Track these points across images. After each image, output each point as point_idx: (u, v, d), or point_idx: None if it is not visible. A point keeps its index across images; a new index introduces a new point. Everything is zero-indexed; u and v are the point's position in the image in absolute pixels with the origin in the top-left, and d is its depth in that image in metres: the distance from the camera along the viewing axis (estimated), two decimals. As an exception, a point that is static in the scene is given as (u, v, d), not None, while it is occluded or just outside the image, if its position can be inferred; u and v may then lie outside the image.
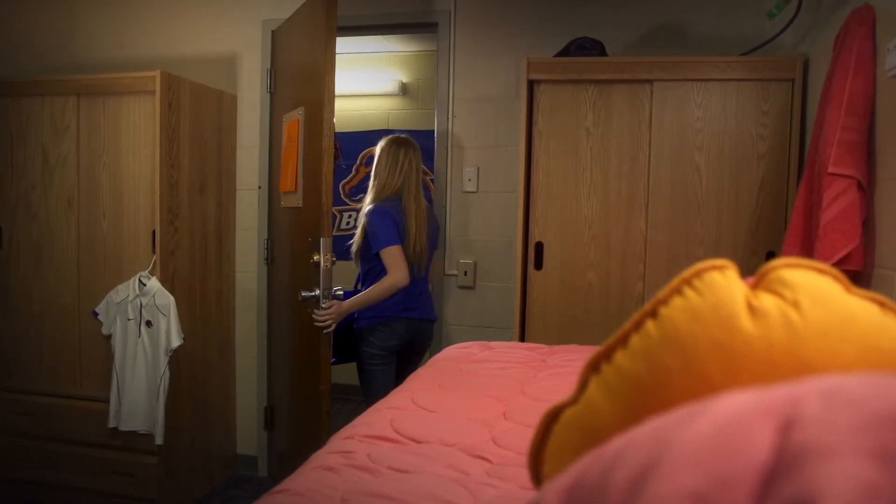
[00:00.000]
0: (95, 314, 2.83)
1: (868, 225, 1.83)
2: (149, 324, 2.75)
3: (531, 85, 2.61)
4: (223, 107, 3.23)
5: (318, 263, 2.45)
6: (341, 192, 4.84)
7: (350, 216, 4.80)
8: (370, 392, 2.64)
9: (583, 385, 0.69)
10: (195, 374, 3.04)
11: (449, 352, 2.26)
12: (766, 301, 0.59)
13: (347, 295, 2.63)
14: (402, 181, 2.69)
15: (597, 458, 0.47)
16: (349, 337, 2.74)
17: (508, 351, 2.22)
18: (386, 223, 2.60)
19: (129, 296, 2.77)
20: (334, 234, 3.66)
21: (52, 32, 3.39)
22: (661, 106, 2.52)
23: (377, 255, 2.61)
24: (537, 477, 0.72)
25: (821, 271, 0.62)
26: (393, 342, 2.67)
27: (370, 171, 2.97)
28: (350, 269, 2.93)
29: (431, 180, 3.57)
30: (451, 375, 1.90)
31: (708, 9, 2.84)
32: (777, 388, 0.43)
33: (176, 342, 2.74)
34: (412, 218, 2.66)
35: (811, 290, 0.59)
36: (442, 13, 3.09)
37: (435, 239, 2.87)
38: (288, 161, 2.90)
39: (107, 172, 2.88)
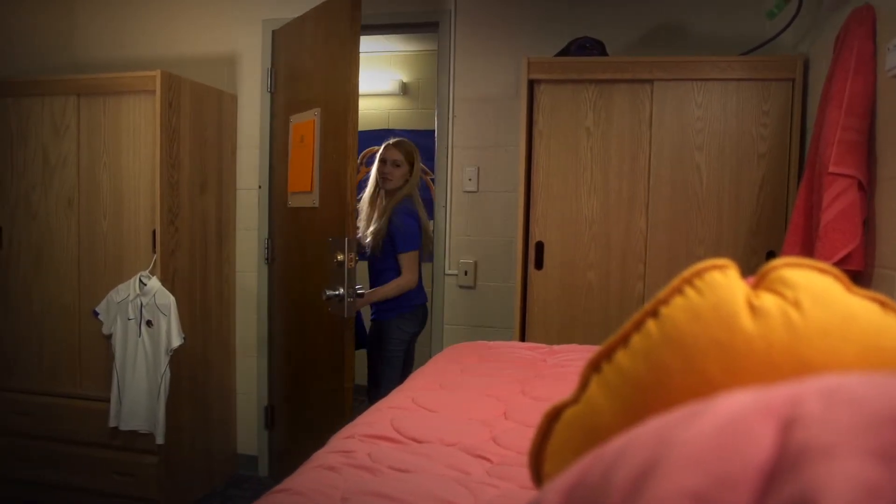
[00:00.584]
0: (96, 314, 2.83)
1: (868, 225, 1.83)
2: (149, 323, 2.75)
3: (531, 85, 2.61)
4: (223, 107, 3.23)
5: (342, 263, 2.50)
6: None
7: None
8: (391, 379, 2.80)
9: (584, 384, 0.69)
10: (195, 373, 3.04)
11: (449, 351, 2.26)
12: (767, 301, 0.59)
13: None
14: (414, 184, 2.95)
15: (598, 457, 0.47)
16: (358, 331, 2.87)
17: (509, 351, 2.22)
18: (414, 226, 2.85)
19: (129, 295, 2.77)
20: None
21: (53, 32, 3.39)
22: (662, 106, 2.52)
23: (397, 255, 2.80)
24: (538, 476, 0.72)
25: (822, 271, 0.62)
26: (416, 328, 2.96)
27: (370, 171, 3.00)
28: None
29: (432, 180, 3.58)
30: (451, 375, 1.90)
31: (708, 9, 2.84)
32: (778, 387, 0.43)
33: (176, 342, 2.74)
34: (424, 219, 2.92)
35: (812, 289, 0.59)
36: (442, 13, 3.09)
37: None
38: (299, 162, 2.91)
39: (107, 172, 2.88)
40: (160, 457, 2.80)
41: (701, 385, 0.57)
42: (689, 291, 0.62)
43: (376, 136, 4.50)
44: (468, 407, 1.59)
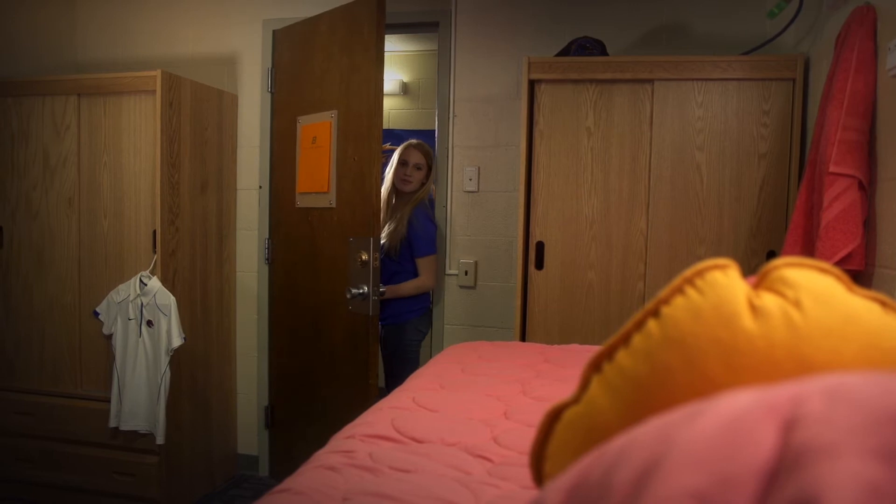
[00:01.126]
0: (96, 314, 2.83)
1: (869, 224, 1.83)
2: (149, 323, 2.75)
3: (532, 84, 2.61)
4: (224, 106, 3.23)
5: (366, 262, 2.55)
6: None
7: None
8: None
9: (584, 384, 0.69)
10: (196, 373, 3.04)
11: (450, 351, 2.26)
12: (768, 300, 0.59)
13: None
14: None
15: (599, 457, 0.47)
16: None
17: (509, 351, 2.22)
18: (433, 231, 2.94)
19: (129, 295, 2.77)
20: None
21: (53, 32, 3.39)
22: (662, 105, 2.52)
23: (415, 258, 2.88)
24: (539, 476, 0.72)
25: (822, 270, 0.62)
26: (428, 329, 3.06)
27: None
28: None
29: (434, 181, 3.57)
30: (452, 375, 1.90)
31: (709, 8, 2.84)
32: (779, 387, 0.43)
33: (177, 342, 2.74)
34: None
35: (813, 289, 0.59)
36: (443, 13, 3.09)
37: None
38: (311, 162, 2.92)
39: (107, 172, 2.88)
40: (160, 457, 2.80)
41: (702, 384, 0.57)
42: (690, 291, 0.62)
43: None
44: (469, 407, 1.59)
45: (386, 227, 2.94)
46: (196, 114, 2.99)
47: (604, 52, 2.67)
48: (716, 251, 2.47)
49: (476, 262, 3.09)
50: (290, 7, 3.23)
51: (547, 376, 1.88)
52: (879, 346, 0.57)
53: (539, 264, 2.63)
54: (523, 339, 2.65)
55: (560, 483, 0.49)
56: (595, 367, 0.68)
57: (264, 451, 3.39)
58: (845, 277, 0.62)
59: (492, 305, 3.08)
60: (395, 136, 4.69)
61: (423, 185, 2.98)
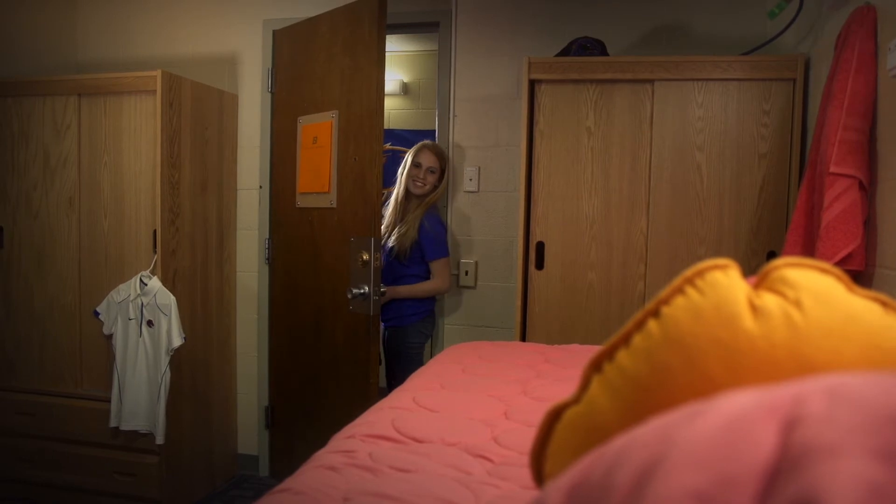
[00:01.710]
0: (96, 314, 2.83)
1: (869, 225, 1.83)
2: (150, 323, 2.75)
3: (532, 85, 2.61)
4: (224, 106, 3.23)
5: (367, 262, 2.55)
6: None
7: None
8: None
9: (585, 384, 0.69)
10: (196, 373, 3.04)
11: (451, 351, 2.26)
12: (769, 300, 0.59)
13: None
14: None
15: (599, 457, 0.47)
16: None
17: (510, 351, 2.22)
18: (444, 234, 2.93)
19: (130, 295, 2.77)
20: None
21: (53, 32, 3.39)
22: (663, 105, 2.52)
23: (428, 261, 2.87)
24: (539, 476, 0.72)
25: (823, 271, 0.62)
26: (432, 331, 3.05)
27: None
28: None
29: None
30: (452, 375, 1.90)
31: (709, 8, 2.84)
32: (780, 387, 0.43)
33: (177, 342, 2.74)
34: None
35: (813, 289, 0.59)
36: (443, 13, 3.09)
37: None
38: (312, 162, 2.92)
39: (108, 172, 2.88)
40: (161, 457, 2.80)
41: (703, 385, 0.57)
42: (690, 291, 0.62)
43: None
44: (469, 407, 1.59)
45: (396, 229, 2.90)
46: (196, 114, 2.99)
47: (604, 52, 2.67)
48: (716, 251, 2.47)
49: (476, 263, 3.09)
50: (290, 7, 3.23)
51: (547, 376, 1.88)
52: (880, 346, 0.57)
53: (539, 264, 2.63)
54: (523, 339, 2.65)
55: (560, 483, 0.49)
56: (595, 367, 0.68)
57: (264, 451, 3.39)
58: (846, 278, 0.62)
59: (492, 305, 3.08)
60: (396, 136, 4.69)
61: (435, 188, 2.94)
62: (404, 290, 2.85)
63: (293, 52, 3.09)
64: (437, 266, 2.88)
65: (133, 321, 2.76)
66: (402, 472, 1.18)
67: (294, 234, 3.10)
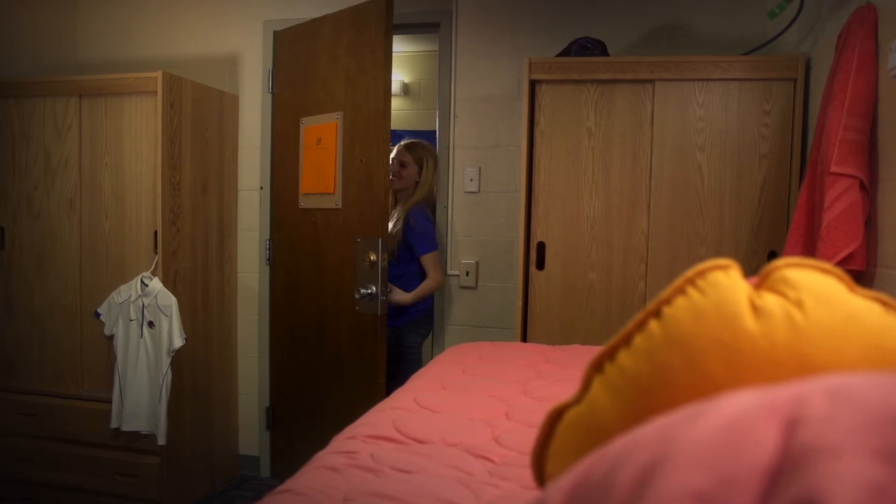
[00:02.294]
0: (97, 315, 2.84)
1: (870, 224, 1.83)
2: (151, 324, 2.75)
3: (533, 85, 2.61)
4: (224, 107, 3.23)
5: (374, 262, 2.57)
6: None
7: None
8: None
9: (586, 385, 0.69)
10: (197, 374, 3.04)
11: (451, 352, 2.26)
12: (770, 300, 0.59)
13: None
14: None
15: (600, 457, 0.47)
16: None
17: (510, 351, 2.22)
18: (431, 227, 2.91)
19: (131, 296, 2.77)
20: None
21: (54, 33, 3.39)
22: (663, 106, 2.52)
23: (417, 257, 2.85)
24: (540, 476, 0.72)
25: (824, 271, 0.62)
26: (429, 331, 3.05)
27: None
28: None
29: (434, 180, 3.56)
30: (453, 376, 1.90)
31: (710, 8, 2.84)
32: (781, 387, 0.43)
33: (178, 343, 2.74)
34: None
35: (814, 289, 0.59)
36: (443, 13, 3.09)
37: None
38: (316, 163, 2.92)
39: (108, 173, 2.88)
40: (162, 457, 2.81)
41: (704, 385, 0.57)
42: (691, 291, 0.62)
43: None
44: (470, 407, 1.59)
45: None
46: (197, 115, 2.99)
47: (605, 53, 2.67)
48: (717, 251, 2.47)
49: (477, 263, 3.09)
50: (291, 8, 3.23)
51: (548, 377, 1.88)
52: (881, 346, 0.57)
53: (540, 265, 2.63)
54: (524, 339, 2.65)
55: (561, 483, 0.49)
56: (597, 367, 0.68)
57: (265, 451, 3.39)
58: (847, 278, 0.62)
59: (493, 306, 3.08)
60: (396, 137, 4.69)
61: (416, 183, 2.95)
62: (410, 296, 2.83)
63: (294, 53, 3.09)
64: (427, 260, 2.88)
65: (134, 322, 2.76)
66: (403, 472, 1.18)
67: (296, 235, 3.10)
